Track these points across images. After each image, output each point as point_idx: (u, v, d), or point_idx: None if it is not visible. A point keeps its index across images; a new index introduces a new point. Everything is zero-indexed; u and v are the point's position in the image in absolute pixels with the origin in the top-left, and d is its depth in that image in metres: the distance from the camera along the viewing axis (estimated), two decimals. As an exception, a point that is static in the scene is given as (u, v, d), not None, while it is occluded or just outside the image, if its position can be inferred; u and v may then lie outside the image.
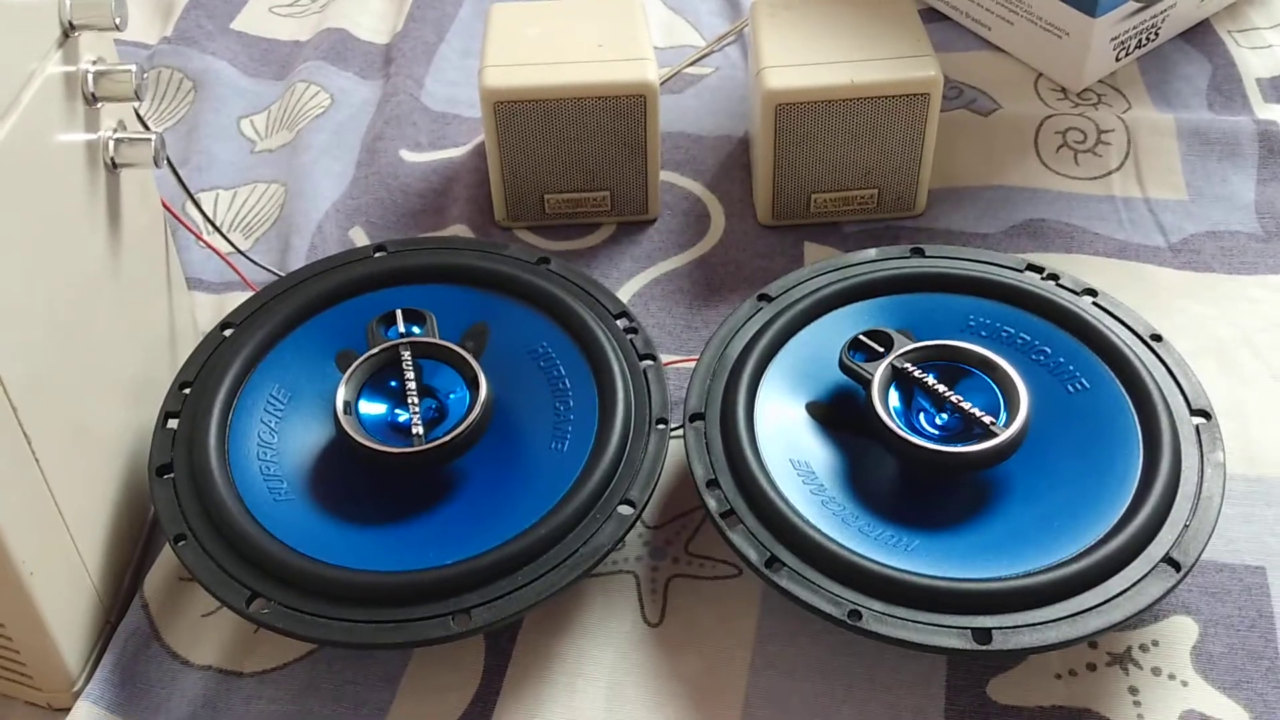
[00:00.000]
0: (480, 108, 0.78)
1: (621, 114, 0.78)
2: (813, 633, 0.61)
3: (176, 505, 0.60)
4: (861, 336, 0.65)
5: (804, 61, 0.77)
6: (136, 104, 0.62)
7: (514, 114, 0.77)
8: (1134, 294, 0.75)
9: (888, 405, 0.62)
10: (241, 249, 0.80)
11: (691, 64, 0.96)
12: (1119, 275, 0.77)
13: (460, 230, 0.83)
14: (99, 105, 0.61)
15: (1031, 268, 0.70)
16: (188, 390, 0.65)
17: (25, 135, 0.54)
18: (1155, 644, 0.60)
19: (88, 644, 0.60)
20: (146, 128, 0.66)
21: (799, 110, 0.76)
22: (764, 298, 0.70)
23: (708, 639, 0.61)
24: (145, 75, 0.61)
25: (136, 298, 0.67)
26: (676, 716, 0.59)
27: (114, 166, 0.63)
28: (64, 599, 0.58)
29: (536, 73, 0.77)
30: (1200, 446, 0.61)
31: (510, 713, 0.59)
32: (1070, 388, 0.65)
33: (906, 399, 0.64)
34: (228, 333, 0.68)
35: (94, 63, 0.60)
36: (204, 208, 0.84)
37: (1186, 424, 0.62)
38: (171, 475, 0.61)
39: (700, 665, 0.60)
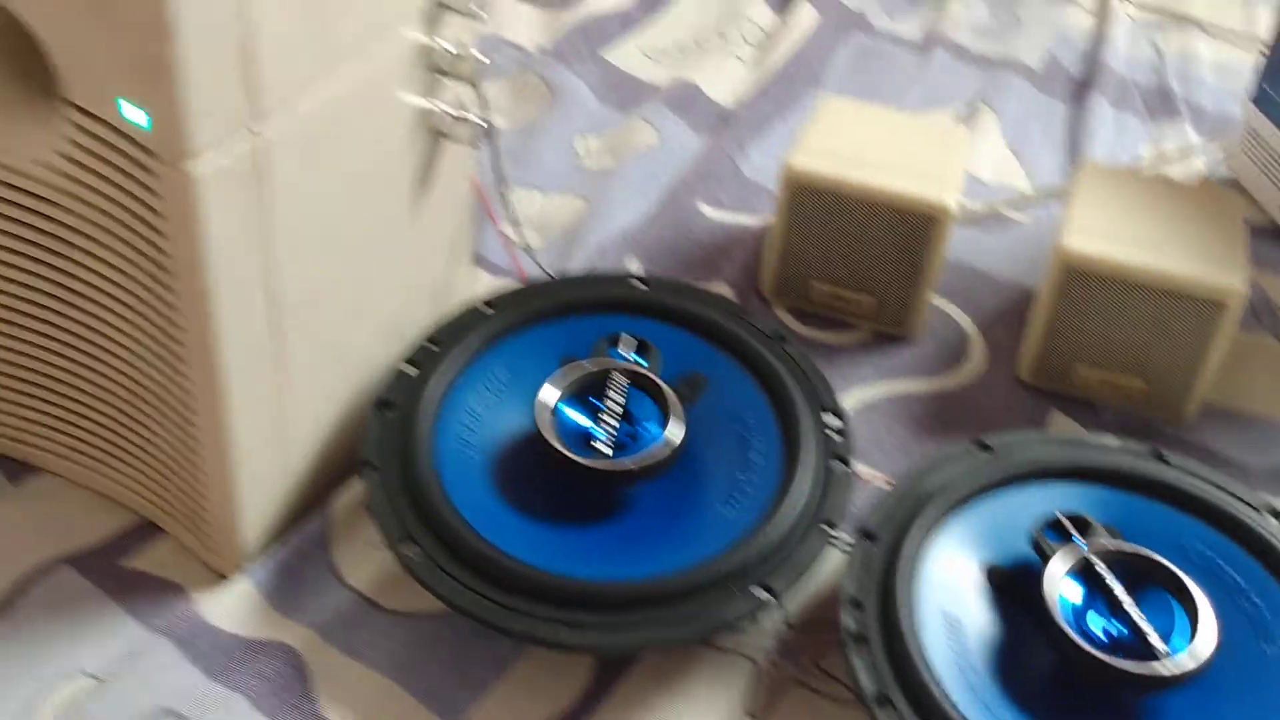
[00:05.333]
0: (778, 184, 0.80)
1: (910, 228, 0.78)
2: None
3: (380, 438, 0.66)
4: (1061, 516, 0.63)
5: (1109, 233, 0.75)
6: (473, 87, 0.69)
7: (807, 198, 0.79)
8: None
9: (1062, 594, 0.59)
10: (531, 245, 0.87)
11: (1009, 206, 0.95)
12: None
13: (724, 290, 0.86)
14: (443, 79, 0.68)
15: (1275, 514, 0.65)
16: (434, 346, 0.71)
17: (370, 82, 0.61)
18: None
19: (269, 529, 0.67)
20: (481, 115, 0.73)
21: (1088, 277, 0.74)
22: (983, 446, 0.68)
23: (798, 751, 0.60)
24: (487, 63, 0.68)
25: (420, 253, 0.74)
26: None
27: (439, 135, 0.70)
28: (265, 478, 0.65)
29: (840, 165, 0.79)
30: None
31: (585, 741, 0.60)
32: (1267, 646, 0.59)
33: (1087, 595, 0.61)
34: (486, 309, 0.73)
35: (450, 42, 0.68)
36: (512, 199, 0.92)
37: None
38: (389, 412, 0.67)
39: (780, 772, 0.60)
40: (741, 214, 0.93)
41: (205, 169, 0.52)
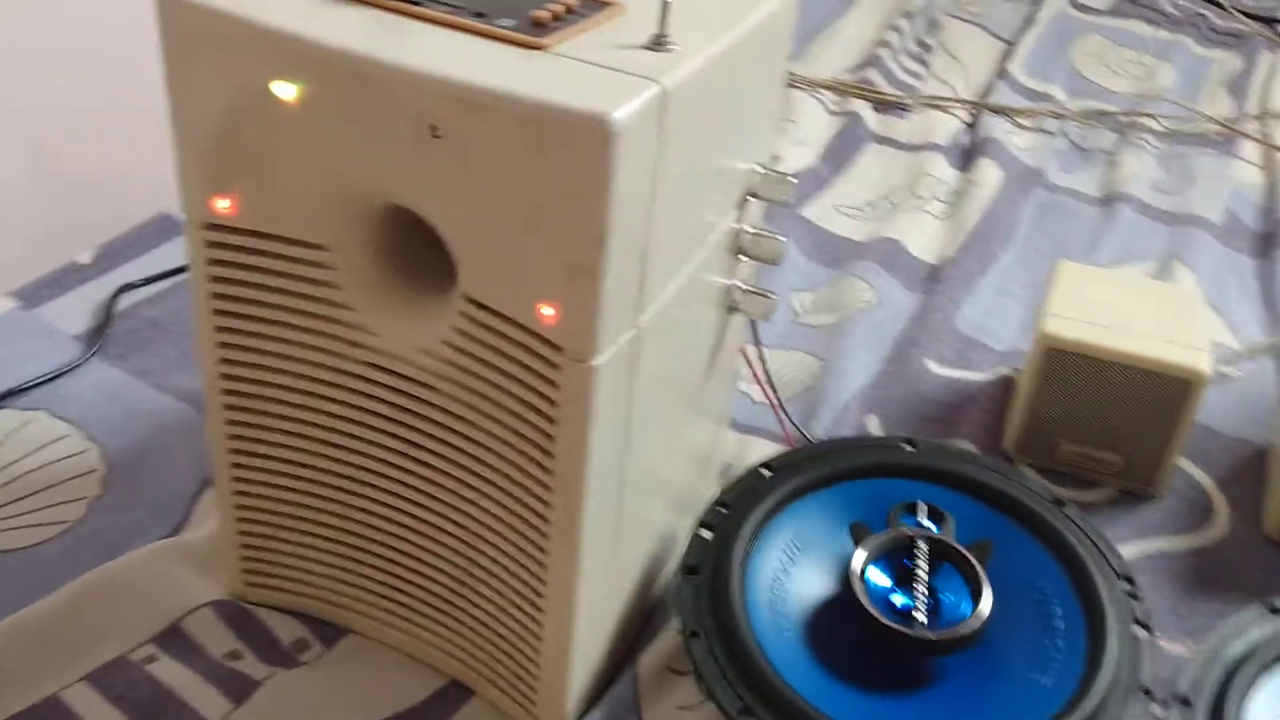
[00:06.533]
0: (1032, 347, 0.84)
1: (1166, 392, 0.81)
2: None
3: (695, 604, 0.68)
4: (1382, 684, 0.64)
5: (1370, 398, 0.77)
6: (775, 264, 0.73)
7: (1064, 363, 0.82)
8: None
9: (1401, 763, 0.60)
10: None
11: (1224, 363, 0.98)
12: None
13: (966, 446, 0.88)
14: (742, 259, 0.72)
15: None
16: (724, 510, 0.74)
17: (702, 268, 0.65)
18: None
19: (586, 693, 0.69)
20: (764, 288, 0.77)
21: (1353, 442, 0.76)
22: (1275, 610, 0.70)
23: None
24: (786, 241, 0.72)
25: (702, 418, 0.77)
26: None
27: (732, 310, 0.74)
28: (589, 646, 0.67)
29: (1095, 331, 0.82)
30: None
31: None
32: None
33: None
34: (767, 473, 0.76)
35: (752, 225, 0.72)
36: (755, 362, 0.95)
37: None
38: (696, 577, 0.70)
39: None
40: (966, 370, 0.96)
41: (602, 361, 0.55)
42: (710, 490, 0.76)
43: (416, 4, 0.56)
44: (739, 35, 0.60)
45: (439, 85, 0.51)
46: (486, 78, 0.51)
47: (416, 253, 0.59)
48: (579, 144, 0.50)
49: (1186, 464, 0.88)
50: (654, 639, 0.73)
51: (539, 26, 0.55)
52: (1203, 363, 0.81)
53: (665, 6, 0.56)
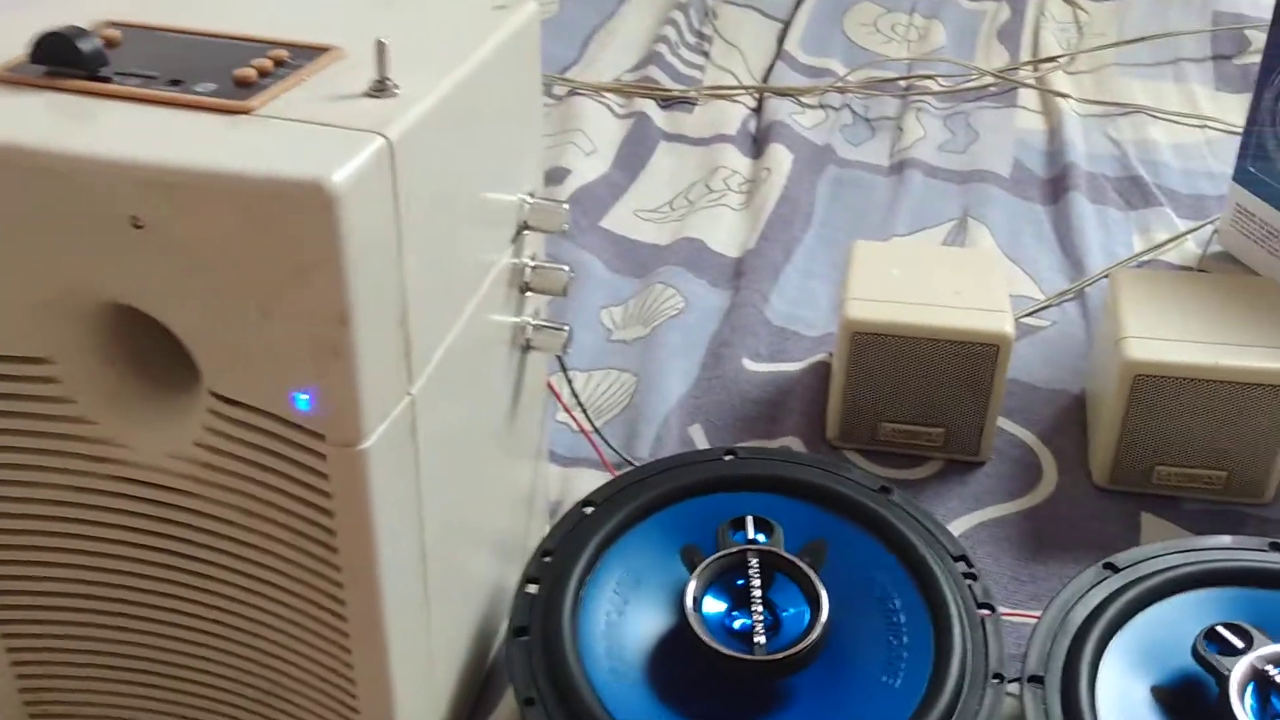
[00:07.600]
0: (838, 334, 0.82)
1: (974, 360, 0.80)
2: None
3: (528, 667, 0.64)
4: (1219, 627, 0.64)
5: (1167, 336, 0.78)
6: (563, 297, 0.69)
7: (869, 345, 0.81)
8: None
9: (1245, 706, 0.60)
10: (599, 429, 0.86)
11: (1029, 315, 0.99)
12: None
13: (792, 442, 0.86)
14: (528, 295, 0.68)
15: (1403, 584, 0.67)
16: (548, 559, 0.70)
17: (480, 313, 0.61)
18: None
19: (425, 784, 0.64)
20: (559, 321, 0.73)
21: (1157, 383, 0.77)
22: (1109, 566, 0.69)
23: None
24: (572, 274, 0.68)
25: (515, 462, 0.73)
26: None
27: (527, 348, 0.70)
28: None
29: (897, 310, 0.81)
30: None
31: None
32: None
33: (1262, 702, 0.62)
34: (588, 510, 0.73)
35: (532, 258, 0.68)
36: (566, 389, 0.91)
37: None
38: (526, 637, 0.66)
39: None
40: (783, 363, 0.94)
41: (372, 441, 0.51)
42: (540, 531, 0.72)
43: (104, 80, 0.50)
44: (474, 64, 0.56)
45: (129, 171, 0.45)
46: (181, 155, 0.45)
47: (154, 350, 0.53)
48: (297, 215, 0.45)
49: (1008, 424, 0.88)
50: (495, 707, 0.69)
51: (244, 87, 0.50)
52: (1005, 325, 0.80)
53: (381, 48, 0.51)
